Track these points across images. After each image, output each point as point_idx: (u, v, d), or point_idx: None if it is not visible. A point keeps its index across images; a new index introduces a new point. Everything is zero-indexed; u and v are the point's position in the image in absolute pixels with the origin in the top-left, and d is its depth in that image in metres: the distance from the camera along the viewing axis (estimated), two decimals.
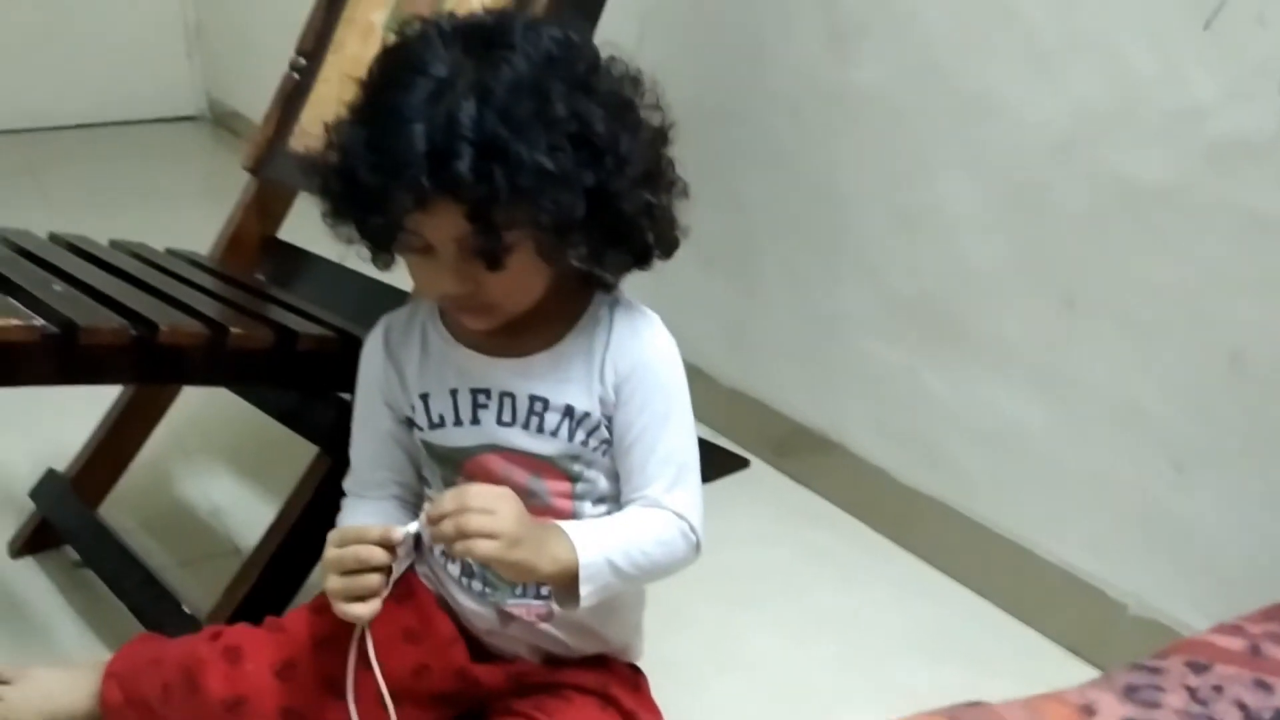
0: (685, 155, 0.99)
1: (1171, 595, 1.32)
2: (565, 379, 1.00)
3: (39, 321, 1.06)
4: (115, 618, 1.41)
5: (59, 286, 1.21)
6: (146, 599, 1.36)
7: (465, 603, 1.07)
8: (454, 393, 1.02)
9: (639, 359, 1.00)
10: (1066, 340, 1.38)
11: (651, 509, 1.00)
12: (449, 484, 1.03)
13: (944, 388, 1.54)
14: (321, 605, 1.04)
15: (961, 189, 1.46)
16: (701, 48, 1.87)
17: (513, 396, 1.00)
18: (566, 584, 0.94)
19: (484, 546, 0.88)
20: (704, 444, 1.90)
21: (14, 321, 1.05)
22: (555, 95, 0.87)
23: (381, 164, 0.86)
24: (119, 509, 1.63)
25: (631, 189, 0.91)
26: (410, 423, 1.06)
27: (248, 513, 1.70)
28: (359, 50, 1.57)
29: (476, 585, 1.06)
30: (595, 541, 0.95)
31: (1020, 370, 1.44)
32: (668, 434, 1.00)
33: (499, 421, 1.01)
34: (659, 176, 0.96)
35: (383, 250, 0.96)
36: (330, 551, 0.95)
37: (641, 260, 0.99)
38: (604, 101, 0.91)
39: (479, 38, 0.90)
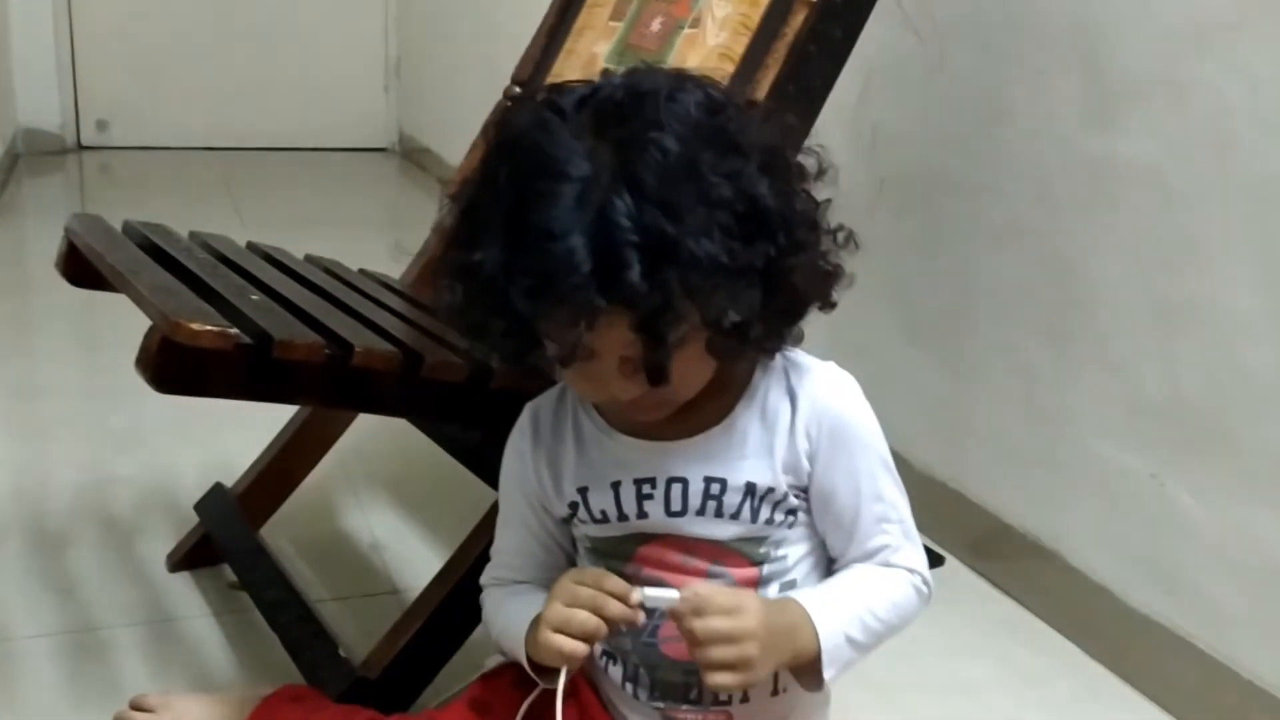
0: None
1: None
2: (742, 454, 0.90)
3: (234, 330, 1.00)
4: (266, 648, 1.34)
5: (256, 296, 1.15)
6: (302, 636, 1.27)
7: (627, 712, 0.96)
8: (616, 486, 0.91)
9: (839, 417, 0.90)
10: None
11: (884, 569, 0.93)
12: (617, 574, 0.91)
13: (1196, 505, 1.35)
14: (478, 701, 0.96)
15: (1242, 283, 1.28)
16: (933, 107, 1.73)
17: (684, 481, 0.90)
18: (806, 669, 0.88)
19: (724, 680, 0.82)
20: None
21: (210, 328, 0.98)
22: (709, 169, 0.76)
23: (541, 288, 0.76)
24: (279, 532, 1.57)
25: (807, 258, 0.82)
26: (567, 519, 0.96)
27: (409, 551, 1.62)
28: None
29: (642, 694, 0.95)
30: (834, 621, 0.88)
31: None
32: (883, 490, 0.92)
33: (668, 512, 0.91)
34: (819, 222, 0.85)
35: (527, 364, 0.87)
36: (566, 584, 0.87)
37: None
38: (760, 160, 0.79)
39: (612, 117, 0.78)
